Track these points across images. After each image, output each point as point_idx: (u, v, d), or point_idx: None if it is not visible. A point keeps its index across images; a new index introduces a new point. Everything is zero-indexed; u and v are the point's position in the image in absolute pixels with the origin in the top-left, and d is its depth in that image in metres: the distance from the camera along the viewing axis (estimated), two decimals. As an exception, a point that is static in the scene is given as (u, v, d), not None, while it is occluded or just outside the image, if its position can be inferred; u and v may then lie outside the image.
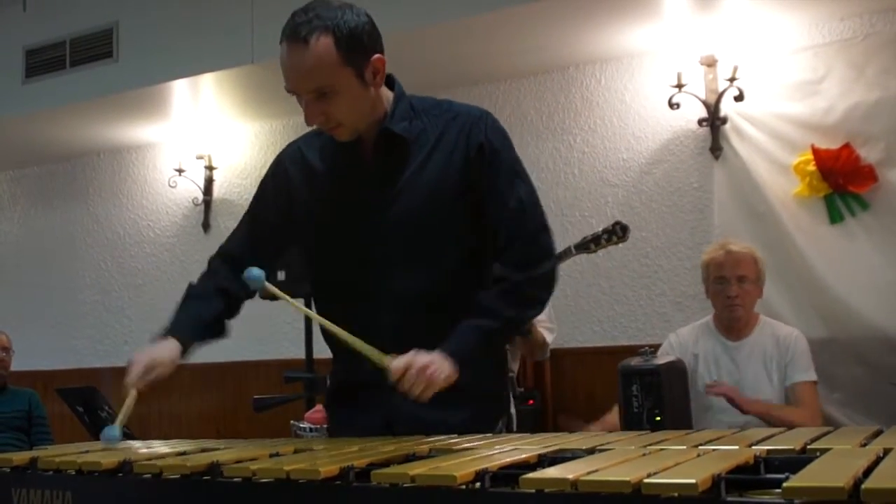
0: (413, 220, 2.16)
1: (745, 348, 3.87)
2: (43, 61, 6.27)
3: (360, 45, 2.06)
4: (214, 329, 2.32)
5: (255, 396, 4.43)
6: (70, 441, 2.47)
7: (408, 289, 2.15)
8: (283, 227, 2.36)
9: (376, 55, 2.10)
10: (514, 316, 2.17)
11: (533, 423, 4.88)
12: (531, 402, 5.00)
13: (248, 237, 2.40)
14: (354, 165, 2.22)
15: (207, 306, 2.31)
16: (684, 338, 4.00)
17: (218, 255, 2.42)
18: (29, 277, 7.40)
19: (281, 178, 2.34)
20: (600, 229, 4.29)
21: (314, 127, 2.19)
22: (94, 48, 6.06)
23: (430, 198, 2.16)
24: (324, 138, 2.25)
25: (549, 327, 4.32)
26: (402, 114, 2.20)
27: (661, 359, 3.66)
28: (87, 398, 4.94)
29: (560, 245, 4.19)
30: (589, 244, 4.24)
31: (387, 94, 2.21)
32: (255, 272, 2.16)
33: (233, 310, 2.36)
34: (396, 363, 2.01)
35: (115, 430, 2.06)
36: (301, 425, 4.03)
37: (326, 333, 2.22)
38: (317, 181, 2.27)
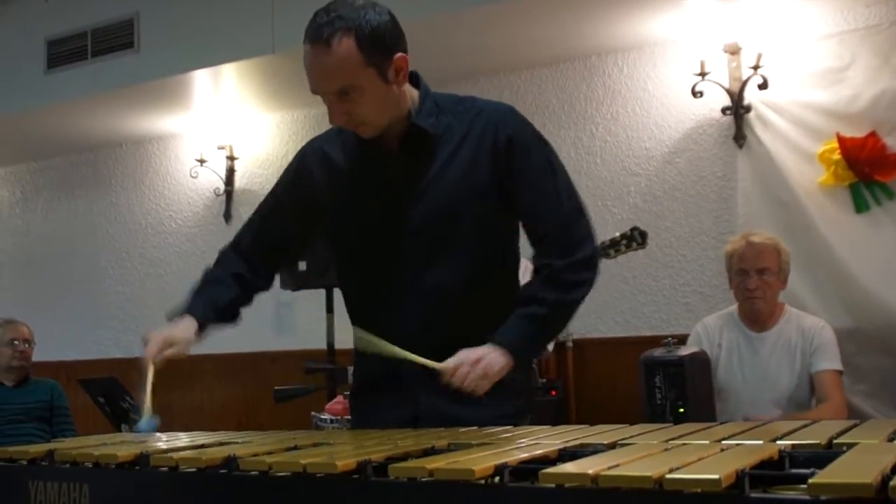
0: (440, 216, 2.16)
1: (768, 339, 3.84)
2: (64, 52, 6.29)
3: (382, 44, 2.04)
4: (229, 313, 2.36)
5: (277, 387, 4.43)
6: (92, 431, 2.48)
7: (435, 284, 2.14)
8: (297, 222, 2.37)
9: (399, 54, 2.08)
10: (558, 299, 2.15)
11: (556, 414, 4.87)
12: (553, 392, 4.99)
13: (258, 231, 2.44)
14: (380, 162, 2.21)
15: (223, 290, 2.36)
16: (711, 327, 3.98)
17: (230, 246, 2.47)
18: (51, 268, 7.44)
19: (305, 176, 2.34)
20: (618, 234, 4.24)
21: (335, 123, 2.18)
22: (116, 39, 6.08)
23: (457, 193, 2.16)
24: (345, 136, 2.24)
25: None
26: (428, 110, 2.20)
27: (685, 350, 3.63)
28: (107, 389, 4.96)
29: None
30: (608, 250, 4.20)
31: (411, 92, 2.19)
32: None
33: (247, 297, 2.40)
34: (447, 362, 2.02)
35: (145, 423, 2.05)
36: (322, 416, 4.02)
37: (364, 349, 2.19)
38: (342, 179, 2.26)
